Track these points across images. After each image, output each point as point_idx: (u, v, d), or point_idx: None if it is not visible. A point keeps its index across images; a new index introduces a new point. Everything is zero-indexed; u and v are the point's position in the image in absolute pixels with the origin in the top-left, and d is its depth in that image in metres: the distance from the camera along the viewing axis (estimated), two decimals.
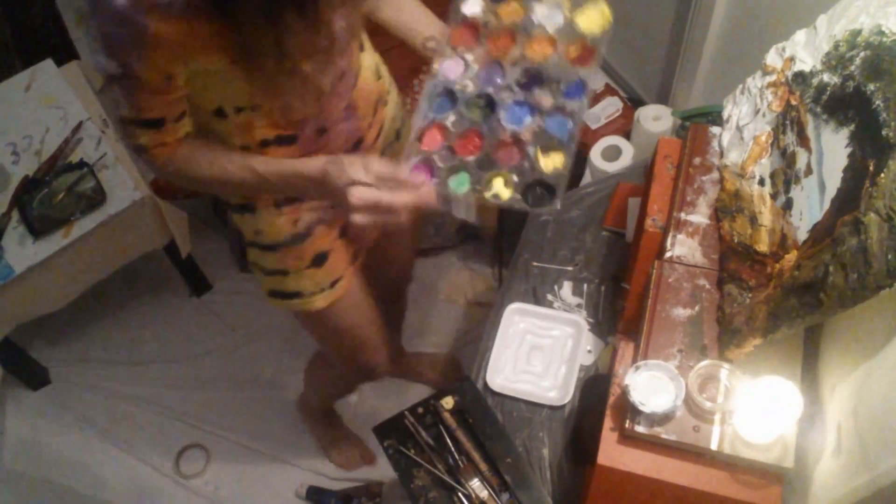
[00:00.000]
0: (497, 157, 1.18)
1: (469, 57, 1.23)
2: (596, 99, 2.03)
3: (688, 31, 1.76)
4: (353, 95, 1.15)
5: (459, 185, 1.17)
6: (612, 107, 2.01)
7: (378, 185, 0.99)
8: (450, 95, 1.23)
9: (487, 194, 1.16)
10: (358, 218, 0.98)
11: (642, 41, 2.04)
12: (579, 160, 1.93)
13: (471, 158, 1.18)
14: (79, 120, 1.99)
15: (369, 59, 1.21)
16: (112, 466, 2.08)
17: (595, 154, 1.85)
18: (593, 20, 1.26)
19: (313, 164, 1.04)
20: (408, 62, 1.69)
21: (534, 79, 1.22)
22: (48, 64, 2.11)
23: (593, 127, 1.98)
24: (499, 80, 1.22)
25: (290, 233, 1.23)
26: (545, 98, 1.20)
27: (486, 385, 1.41)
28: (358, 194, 0.98)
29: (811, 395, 1.05)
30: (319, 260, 1.27)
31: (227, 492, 2.03)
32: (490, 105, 1.20)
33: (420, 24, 1.24)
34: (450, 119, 1.22)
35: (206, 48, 0.90)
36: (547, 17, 1.26)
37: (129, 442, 2.12)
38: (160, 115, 0.99)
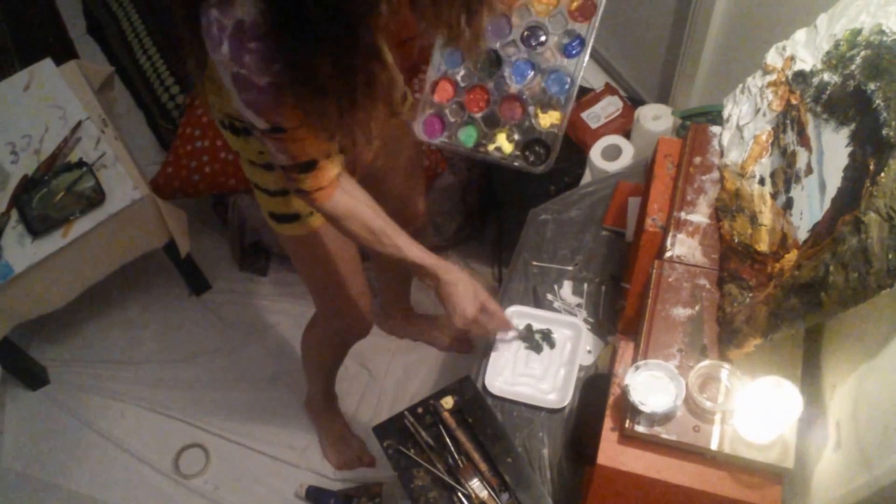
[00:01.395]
0: (501, 112, 1.27)
1: None
2: (596, 98, 2.03)
3: (688, 31, 1.76)
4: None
5: (468, 137, 1.29)
6: (612, 106, 2.00)
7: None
8: (459, 51, 1.31)
9: (491, 147, 1.29)
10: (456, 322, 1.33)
11: (642, 40, 2.04)
12: (579, 159, 1.93)
13: (478, 114, 1.27)
14: (78, 119, 1.98)
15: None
16: (111, 466, 2.08)
17: (595, 153, 1.84)
18: None
19: (450, 276, 1.30)
20: (408, 63, 1.70)
21: (537, 34, 1.30)
22: (47, 63, 2.11)
23: (593, 126, 1.98)
24: (505, 34, 1.29)
25: None
26: (547, 55, 1.27)
27: (485, 389, 1.40)
28: (462, 322, 1.33)
29: (811, 395, 1.05)
30: None
31: (227, 491, 2.03)
32: (497, 61, 1.28)
33: None
34: (460, 73, 1.31)
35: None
36: None
37: (128, 441, 2.11)
38: (313, 157, 1.09)
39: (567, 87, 1.29)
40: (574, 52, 1.32)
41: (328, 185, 1.15)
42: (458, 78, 1.32)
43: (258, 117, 1.01)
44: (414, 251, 1.27)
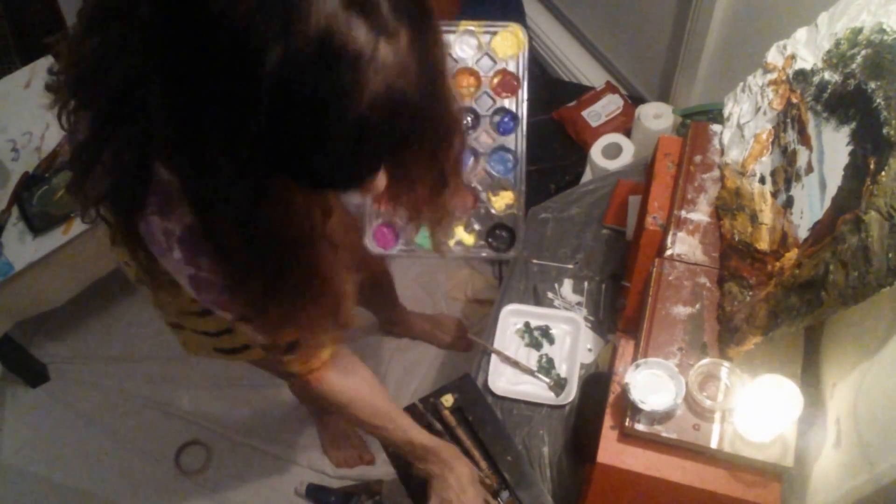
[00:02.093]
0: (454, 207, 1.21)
1: None
2: (596, 96, 2.03)
3: (689, 29, 1.76)
4: None
5: (424, 239, 1.23)
6: (612, 104, 2.01)
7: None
8: None
9: (452, 242, 1.25)
10: None
11: (643, 38, 2.04)
12: (580, 157, 1.93)
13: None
14: None
15: None
16: (111, 463, 2.09)
17: (595, 152, 1.85)
18: (507, 43, 1.32)
19: (460, 471, 1.21)
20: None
21: (467, 120, 1.27)
22: (48, 60, 2.11)
23: (594, 124, 1.98)
24: None
25: None
26: (483, 139, 1.26)
27: (488, 389, 1.40)
28: None
29: (811, 393, 1.05)
30: None
31: (227, 489, 2.03)
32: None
33: None
34: None
35: None
36: (464, 51, 1.31)
37: (128, 438, 2.12)
38: (294, 337, 0.97)
39: (511, 164, 1.27)
40: (508, 128, 1.30)
41: (320, 366, 1.04)
42: None
43: (223, 310, 0.90)
44: (416, 433, 1.19)
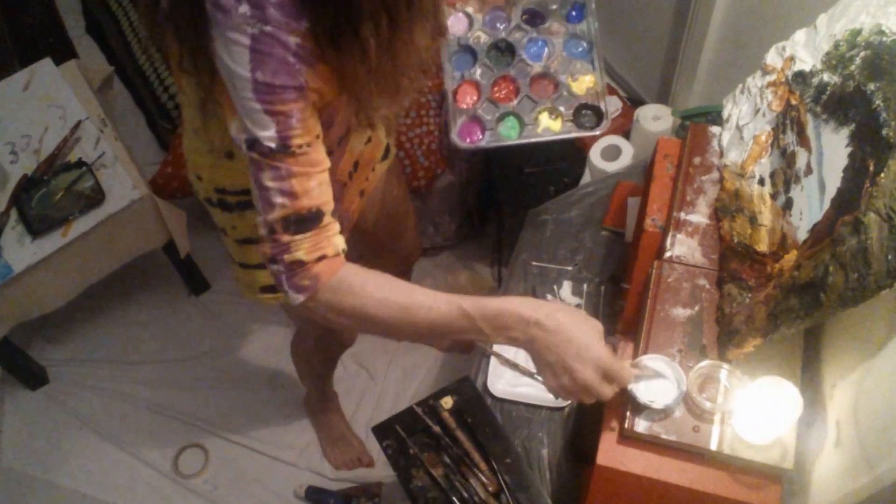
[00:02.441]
0: (534, 92, 1.25)
1: (469, 10, 1.29)
2: None
3: (688, 31, 1.76)
4: None
5: (511, 130, 1.26)
6: (611, 106, 2.00)
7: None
8: (468, 50, 1.28)
9: (539, 129, 1.25)
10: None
11: (642, 40, 2.04)
12: (579, 159, 1.93)
13: (512, 103, 1.24)
14: (77, 119, 1.98)
15: None
16: (110, 466, 2.08)
17: (594, 153, 1.85)
18: None
19: (551, 321, 0.92)
20: None
21: (536, 13, 1.30)
22: (47, 63, 2.11)
23: None
24: (504, 25, 1.29)
25: None
26: (554, 28, 1.27)
27: (487, 391, 1.40)
28: (595, 364, 0.93)
29: (811, 395, 1.05)
30: None
31: (226, 491, 2.03)
32: (509, 48, 1.27)
33: None
34: (477, 73, 1.28)
35: (331, 85, 0.90)
36: None
37: (127, 441, 2.11)
38: (316, 204, 0.88)
39: (587, 48, 1.29)
40: (578, 17, 1.32)
41: (332, 254, 0.90)
42: (478, 77, 1.28)
43: (270, 117, 0.83)
44: (463, 300, 0.93)
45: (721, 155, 1.29)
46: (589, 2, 1.31)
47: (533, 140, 1.27)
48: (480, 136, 1.26)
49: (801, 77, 1.15)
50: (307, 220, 0.88)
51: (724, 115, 1.31)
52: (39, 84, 2.07)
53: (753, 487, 1.02)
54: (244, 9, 0.80)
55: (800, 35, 1.19)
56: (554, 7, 1.31)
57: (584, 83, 1.27)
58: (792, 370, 1.06)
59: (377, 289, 0.91)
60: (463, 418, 1.34)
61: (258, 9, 0.81)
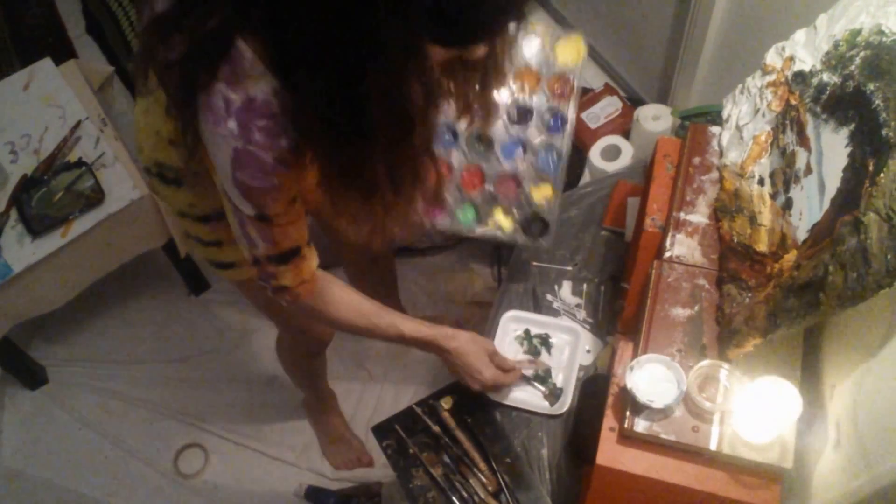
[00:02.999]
0: (497, 190, 1.35)
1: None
2: (595, 98, 2.03)
3: (687, 31, 1.76)
4: None
5: (465, 217, 1.36)
6: (611, 106, 2.01)
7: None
8: (452, 132, 1.39)
9: (491, 223, 1.36)
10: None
11: (642, 40, 2.04)
12: (579, 159, 1.93)
13: (475, 193, 1.35)
14: (77, 119, 1.98)
15: None
16: (110, 465, 2.08)
17: (594, 153, 1.85)
18: (568, 51, 1.43)
19: (454, 344, 1.26)
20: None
21: (527, 110, 1.38)
22: (47, 63, 2.11)
23: (592, 126, 1.98)
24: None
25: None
26: (533, 133, 1.35)
27: (490, 410, 1.39)
28: (482, 387, 1.30)
29: (811, 395, 1.05)
30: None
31: (226, 491, 2.02)
32: (489, 141, 1.36)
33: None
34: (453, 155, 1.38)
35: (314, 195, 0.98)
36: (528, 49, 1.43)
37: (127, 441, 2.11)
38: (295, 244, 1.00)
39: (555, 161, 1.39)
40: (556, 127, 1.41)
41: (310, 277, 1.06)
42: (452, 160, 1.39)
43: (246, 200, 0.92)
44: (409, 326, 1.22)
45: (721, 155, 1.29)
46: (570, 118, 1.40)
47: (482, 233, 1.40)
48: (438, 215, 1.39)
49: (801, 77, 1.15)
50: (288, 255, 1.01)
51: (724, 114, 1.31)
52: (39, 84, 2.07)
53: (753, 487, 1.02)
54: (232, 125, 0.85)
55: (800, 35, 1.19)
56: (542, 109, 1.41)
57: (542, 192, 1.37)
58: (792, 370, 1.06)
59: (345, 310, 1.15)
60: (463, 418, 1.34)
61: (244, 129, 0.85)
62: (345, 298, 1.15)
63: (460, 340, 1.27)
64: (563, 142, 1.40)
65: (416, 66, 0.77)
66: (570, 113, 1.44)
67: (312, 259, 1.05)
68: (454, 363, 1.28)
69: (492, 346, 1.33)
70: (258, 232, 0.96)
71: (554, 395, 1.38)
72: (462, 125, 1.37)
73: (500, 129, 1.40)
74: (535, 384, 1.39)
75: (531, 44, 1.44)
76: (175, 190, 1.19)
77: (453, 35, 0.76)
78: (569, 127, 1.42)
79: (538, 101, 1.42)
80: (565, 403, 1.37)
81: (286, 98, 0.84)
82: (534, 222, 1.38)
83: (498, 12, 0.76)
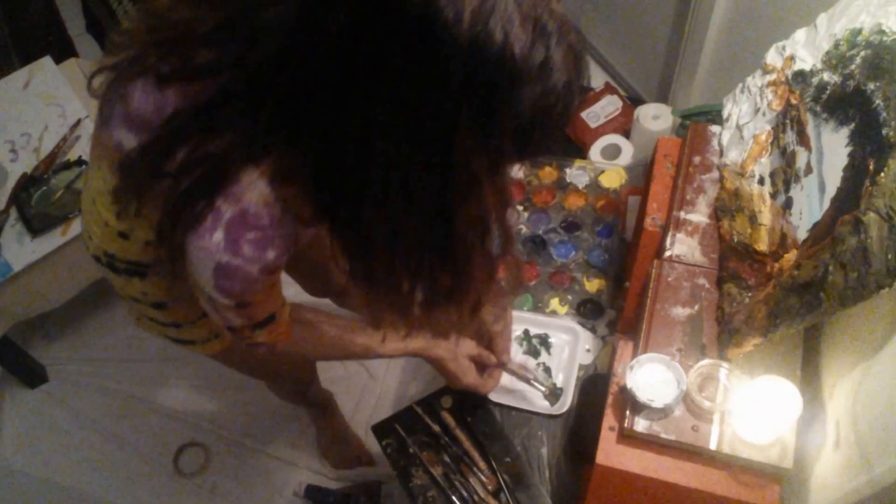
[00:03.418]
0: (552, 282, 1.54)
1: (519, 207, 1.67)
2: (595, 97, 2.03)
3: (688, 30, 1.75)
4: None
5: (524, 303, 1.54)
6: (611, 105, 2.00)
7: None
8: None
9: (547, 310, 1.54)
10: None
11: (642, 39, 2.04)
12: (579, 158, 1.93)
13: (531, 283, 1.56)
14: (77, 117, 1.98)
15: None
16: (110, 464, 2.08)
17: (594, 152, 1.85)
18: (613, 179, 1.71)
19: (436, 353, 1.25)
20: None
21: (573, 224, 1.65)
22: (47, 61, 2.10)
23: (593, 125, 1.98)
24: (544, 226, 1.65)
25: (180, 291, 1.13)
26: (585, 236, 1.63)
27: (490, 409, 1.39)
28: (465, 388, 1.30)
29: (811, 394, 1.05)
30: None
31: (226, 490, 2.02)
32: (542, 243, 1.62)
33: None
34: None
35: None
36: (577, 176, 1.73)
37: (127, 440, 2.11)
38: (272, 311, 0.95)
39: (607, 260, 1.58)
40: (606, 233, 1.62)
41: (285, 329, 1.01)
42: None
43: (227, 299, 0.85)
44: (391, 347, 1.19)
45: (721, 154, 1.29)
46: (618, 229, 1.61)
47: (538, 315, 1.53)
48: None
49: (802, 76, 1.15)
50: (265, 321, 0.95)
51: (724, 114, 1.31)
52: (39, 82, 2.07)
53: (753, 487, 1.02)
54: (218, 237, 0.77)
55: (800, 34, 1.19)
56: (588, 222, 1.64)
57: (595, 284, 1.55)
58: (792, 370, 1.06)
59: (321, 347, 1.13)
60: (462, 417, 1.34)
61: (232, 241, 0.78)
62: (319, 337, 1.11)
63: (442, 351, 1.25)
64: (613, 243, 1.60)
65: (497, 183, 0.72)
66: (619, 225, 1.64)
67: (286, 312, 1.00)
68: (437, 369, 1.29)
69: (473, 349, 1.30)
70: (236, 314, 0.90)
71: (554, 394, 1.38)
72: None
73: (553, 234, 1.63)
74: (536, 384, 1.40)
75: (580, 174, 1.73)
76: (127, 279, 1.10)
77: (531, 152, 0.73)
78: (617, 234, 1.63)
79: (586, 216, 1.65)
80: (565, 403, 1.37)
81: (285, 210, 0.77)
82: (587, 305, 1.53)
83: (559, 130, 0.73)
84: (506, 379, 1.41)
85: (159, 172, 0.77)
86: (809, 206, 1.06)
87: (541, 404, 1.38)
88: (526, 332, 1.47)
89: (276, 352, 1.02)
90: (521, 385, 1.39)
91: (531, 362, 1.45)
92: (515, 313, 1.49)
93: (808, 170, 1.08)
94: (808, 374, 1.08)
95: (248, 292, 0.86)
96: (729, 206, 1.21)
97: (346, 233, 0.76)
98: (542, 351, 1.45)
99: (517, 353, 1.45)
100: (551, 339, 1.46)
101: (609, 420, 1.10)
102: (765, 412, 0.99)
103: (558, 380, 1.41)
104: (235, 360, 1.38)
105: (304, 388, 1.79)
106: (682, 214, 1.24)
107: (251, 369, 1.49)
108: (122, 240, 1.03)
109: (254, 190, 0.76)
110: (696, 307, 1.15)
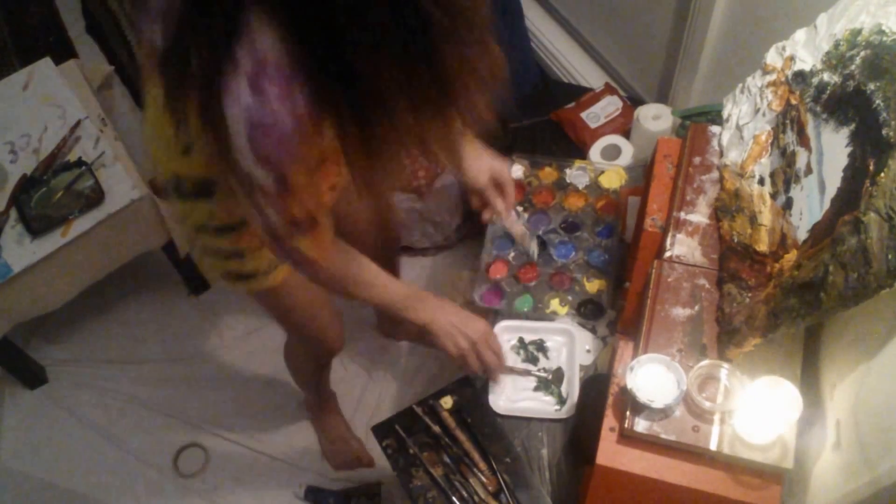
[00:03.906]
0: (552, 282, 1.56)
1: (519, 208, 1.66)
2: (595, 98, 2.03)
3: (688, 30, 1.75)
4: None
5: (523, 303, 1.54)
6: (611, 106, 2.00)
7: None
8: (508, 237, 1.61)
9: (547, 311, 1.52)
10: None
11: (642, 40, 2.04)
12: (579, 159, 1.93)
13: (532, 284, 1.56)
14: (77, 119, 1.98)
15: None
16: (110, 465, 2.08)
17: (594, 153, 1.84)
18: (613, 179, 1.71)
19: (423, 314, 1.29)
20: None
21: (573, 224, 1.64)
22: (46, 63, 2.10)
23: (593, 126, 1.98)
24: (544, 226, 1.64)
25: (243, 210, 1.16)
26: (585, 237, 1.61)
27: (490, 409, 1.38)
28: (458, 352, 1.34)
29: (811, 395, 1.05)
30: None
31: (226, 491, 2.02)
32: (542, 244, 1.60)
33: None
34: (511, 255, 1.60)
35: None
36: (577, 177, 1.73)
37: (127, 441, 2.11)
38: (312, 209, 0.96)
39: (607, 260, 1.58)
40: (606, 234, 1.62)
41: (328, 243, 1.04)
42: (510, 258, 1.60)
43: (268, 172, 0.88)
44: (393, 289, 1.24)
45: (721, 154, 1.29)
46: (618, 229, 1.60)
47: (539, 318, 1.54)
48: (498, 303, 1.55)
49: (801, 76, 1.15)
50: (307, 225, 0.97)
51: (724, 114, 1.31)
52: (39, 84, 2.07)
53: (753, 487, 1.01)
54: (243, 85, 0.80)
55: (800, 35, 1.19)
56: (588, 223, 1.63)
57: (595, 285, 1.54)
58: (792, 370, 1.06)
59: (350, 274, 1.18)
60: (462, 418, 1.34)
61: (259, 97, 0.81)
62: (355, 266, 1.18)
63: (427, 310, 1.29)
64: (613, 243, 1.59)
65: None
66: (619, 227, 1.62)
67: (328, 226, 1.03)
68: (430, 327, 1.30)
69: (489, 327, 1.33)
70: (276, 201, 0.92)
71: (561, 400, 1.39)
72: (517, 232, 1.51)
73: (553, 235, 1.62)
74: (536, 373, 1.41)
75: (580, 175, 1.72)
76: (193, 204, 1.15)
77: None
78: (617, 234, 1.61)
79: (585, 215, 1.65)
80: (571, 406, 1.37)
81: (301, 57, 0.80)
82: (588, 306, 1.52)
83: None
84: (509, 389, 1.41)
85: (185, 51, 0.81)
86: (809, 206, 1.06)
87: (547, 409, 1.38)
88: (521, 340, 1.47)
89: (320, 278, 1.11)
90: (526, 394, 1.40)
91: (532, 370, 1.44)
92: (507, 323, 1.49)
93: (808, 170, 1.08)
94: (809, 375, 1.08)
95: (286, 155, 0.87)
96: (729, 206, 1.21)
97: (335, 67, 0.79)
98: (540, 357, 1.45)
99: (516, 363, 1.45)
100: (547, 344, 1.46)
101: (609, 420, 1.10)
102: (765, 412, 0.99)
103: (562, 387, 1.41)
104: (287, 300, 1.40)
105: (324, 365, 1.80)
106: (682, 215, 1.24)
107: (295, 318, 1.50)
108: (187, 156, 1.08)
109: (265, 36, 0.79)
110: (697, 308, 1.14)
